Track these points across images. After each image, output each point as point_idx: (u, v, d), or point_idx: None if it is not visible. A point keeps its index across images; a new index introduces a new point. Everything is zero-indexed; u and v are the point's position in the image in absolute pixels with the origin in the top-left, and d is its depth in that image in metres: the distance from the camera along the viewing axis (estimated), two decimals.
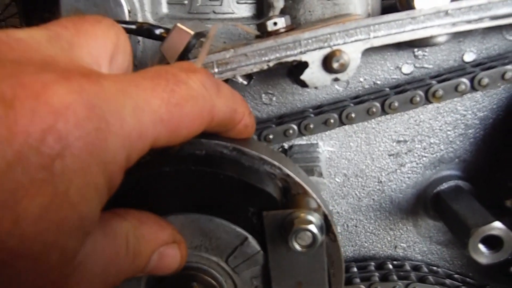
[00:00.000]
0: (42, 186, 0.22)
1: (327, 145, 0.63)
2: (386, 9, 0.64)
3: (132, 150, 0.28)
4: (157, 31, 0.53)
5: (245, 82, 0.61)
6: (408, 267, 0.66)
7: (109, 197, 0.28)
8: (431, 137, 0.62)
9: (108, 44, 0.34)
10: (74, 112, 0.24)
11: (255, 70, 0.51)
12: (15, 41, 0.28)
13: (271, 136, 0.57)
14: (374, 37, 0.48)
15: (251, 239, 0.46)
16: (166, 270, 0.39)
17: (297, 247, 0.43)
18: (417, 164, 0.64)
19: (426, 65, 0.59)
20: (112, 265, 0.30)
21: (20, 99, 0.22)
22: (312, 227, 0.42)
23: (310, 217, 0.44)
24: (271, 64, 0.50)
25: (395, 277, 0.63)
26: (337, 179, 0.66)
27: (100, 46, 0.33)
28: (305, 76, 0.50)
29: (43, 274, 0.24)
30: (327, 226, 0.46)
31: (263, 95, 0.63)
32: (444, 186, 0.63)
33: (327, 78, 0.50)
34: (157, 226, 0.38)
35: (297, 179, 0.48)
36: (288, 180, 0.48)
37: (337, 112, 0.56)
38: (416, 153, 0.63)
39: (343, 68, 0.49)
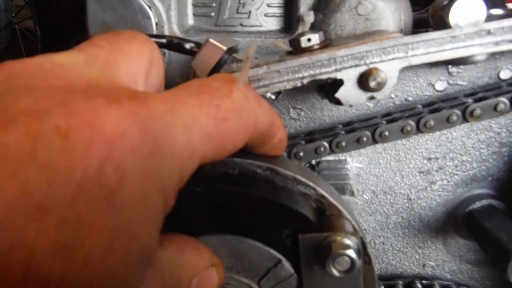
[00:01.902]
0: (105, 220, 0.21)
1: (356, 161, 0.62)
2: (417, 23, 0.62)
3: (184, 170, 0.27)
4: (188, 46, 0.52)
5: (273, 97, 0.60)
6: (438, 287, 0.64)
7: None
8: (463, 155, 0.61)
9: (144, 61, 0.33)
10: (129, 138, 0.23)
11: (288, 87, 0.50)
12: (58, 67, 0.27)
13: (301, 154, 0.56)
14: (412, 56, 0.47)
15: (284, 261, 0.45)
16: None
17: (335, 272, 0.42)
18: (448, 182, 0.62)
19: (460, 82, 0.58)
20: None
21: (74, 129, 0.21)
22: (350, 252, 0.41)
23: (348, 241, 0.42)
24: (305, 81, 0.49)
25: None
26: (365, 196, 0.64)
27: (136, 63, 0.32)
28: (340, 94, 0.49)
29: None
30: (362, 248, 0.45)
31: (291, 110, 0.62)
32: (477, 205, 0.61)
33: (362, 96, 0.49)
34: (196, 250, 0.37)
35: (332, 200, 0.46)
36: (323, 201, 0.46)
37: (370, 130, 0.55)
38: (448, 170, 0.62)
39: (379, 86, 0.47)
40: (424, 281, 0.66)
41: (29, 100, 0.22)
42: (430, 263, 0.67)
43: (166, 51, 0.64)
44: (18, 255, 0.19)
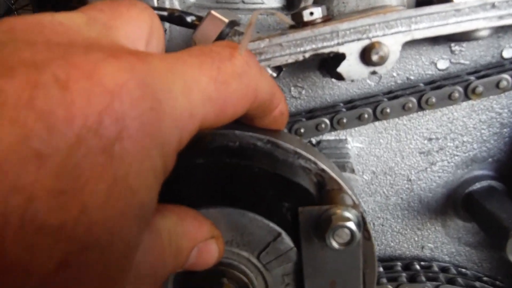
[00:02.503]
0: (103, 171, 0.21)
1: (356, 141, 0.62)
2: (420, 2, 0.62)
3: (184, 130, 0.27)
4: (189, 19, 0.51)
5: (274, 74, 0.60)
6: (436, 268, 0.64)
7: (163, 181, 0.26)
8: (464, 136, 0.61)
9: (144, 27, 0.33)
10: (128, 91, 0.23)
11: (290, 61, 0.49)
12: (58, 24, 0.27)
13: (302, 130, 0.56)
14: (416, 29, 0.47)
15: (284, 235, 0.45)
16: (205, 265, 0.38)
17: (335, 244, 0.41)
18: (448, 163, 0.62)
19: (462, 61, 0.58)
20: (159, 263, 0.29)
21: (73, 80, 0.21)
22: (350, 224, 0.41)
23: (348, 214, 0.42)
24: (307, 55, 0.49)
25: (423, 278, 0.61)
26: (365, 177, 0.64)
27: (136, 28, 0.32)
28: (342, 69, 0.48)
29: (107, 268, 0.22)
30: (362, 222, 0.45)
31: (292, 88, 0.61)
32: (477, 186, 0.61)
33: (364, 71, 0.48)
34: (196, 221, 0.37)
35: (332, 174, 0.46)
36: (323, 175, 0.46)
37: (371, 107, 0.55)
38: (448, 151, 0.62)
39: (382, 61, 0.47)
40: (422, 263, 0.66)
41: (29, 52, 0.22)
42: (429, 245, 0.66)
43: (167, 26, 0.63)
44: (16, 199, 0.19)
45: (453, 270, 0.64)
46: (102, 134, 0.21)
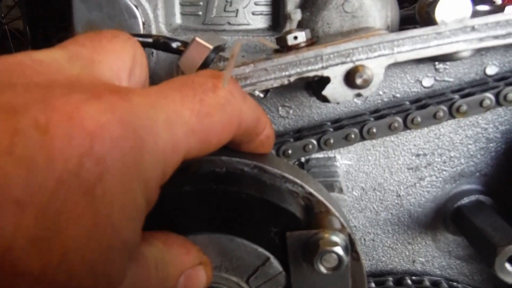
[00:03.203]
0: (84, 213, 0.21)
1: (345, 158, 0.62)
2: (403, 20, 0.63)
3: (167, 164, 0.27)
4: (174, 45, 0.52)
5: (261, 95, 0.60)
6: (427, 283, 0.64)
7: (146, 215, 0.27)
8: (451, 151, 0.61)
9: (126, 58, 0.33)
10: (109, 132, 0.23)
11: (275, 85, 0.49)
12: (38, 63, 0.27)
13: (290, 151, 0.56)
14: (398, 52, 0.47)
15: (273, 259, 0.45)
16: None
17: (323, 269, 0.42)
18: (436, 178, 0.63)
19: (447, 78, 0.58)
20: None
21: (54, 123, 0.21)
22: (337, 249, 0.41)
23: (335, 238, 0.43)
24: (292, 79, 0.49)
25: None
26: (354, 193, 0.64)
27: (119, 61, 0.33)
28: (327, 92, 0.49)
29: None
30: (350, 245, 0.45)
31: (280, 108, 0.62)
32: (465, 200, 0.61)
33: (349, 93, 0.49)
34: (183, 248, 0.37)
35: (320, 197, 0.46)
36: (311, 198, 0.47)
37: (357, 127, 0.55)
38: (436, 167, 0.62)
39: (366, 83, 0.47)
40: (414, 277, 0.66)
41: (9, 95, 0.22)
42: (420, 259, 0.67)
43: (154, 50, 0.63)
44: None
45: (445, 284, 0.65)
46: (83, 177, 0.21)
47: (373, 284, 0.65)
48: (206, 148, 0.32)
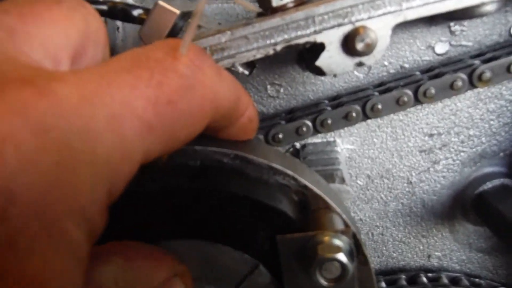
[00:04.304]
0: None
1: (347, 142, 0.54)
2: None
3: (115, 178, 0.20)
4: (135, 12, 0.43)
5: (246, 72, 0.51)
6: (445, 280, 0.57)
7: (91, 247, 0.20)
8: (470, 129, 0.53)
9: (72, 33, 0.25)
10: (17, 146, 0.16)
11: (258, 56, 0.41)
12: None
13: (280, 136, 0.48)
14: (408, 8, 0.38)
15: (262, 267, 0.37)
16: None
17: (323, 281, 0.34)
18: (453, 160, 0.54)
19: (464, 43, 0.49)
20: None
21: None
22: (340, 256, 0.33)
23: (337, 242, 0.34)
24: (278, 48, 0.40)
25: None
26: (359, 182, 0.56)
27: (59, 35, 0.24)
28: (322, 62, 0.40)
29: None
30: (356, 247, 0.37)
31: (269, 86, 0.53)
32: (488, 185, 0.53)
33: (348, 62, 0.40)
34: (152, 260, 0.30)
35: (316, 191, 0.38)
36: (306, 192, 0.38)
37: (359, 103, 0.46)
38: (453, 147, 0.54)
39: (369, 49, 0.39)
40: (429, 274, 0.58)
41: None
42: (436, 253, 0.59)
43: (119, 24, 0.54)
44: None
45: (465, 281, 0.57)
46: None
47: (383, 284, 0.58)
48: (171, 145, 0.24)
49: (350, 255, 0.34)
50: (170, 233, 0.37)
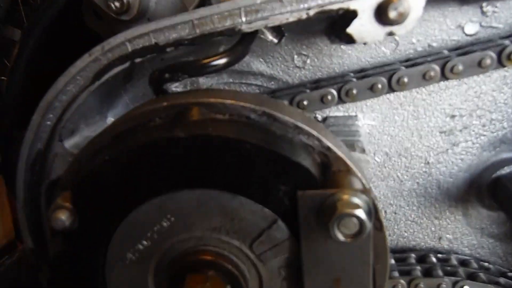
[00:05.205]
0: None
1: (368, 118, 0.54)
2: None
3: None
4: None
5: (275, 40, 0.52)
6: (455, 262, 0.57)
7: None
8: (493, 112, 0.53)
9: None
10: None
11: (291, 19, 0.42)
12: None
13: (305, 102, 0.49)
14: None
15: (280, 222, 0.39)
16: None
17: (340, 236, 0.35)
18: (473, 143, 0.55)
19: (495, 24, 0.49)
20: None
21: None
22: (359, 212, 0.34)
23: (357, 200, 0.35)
24: (311, 12, 0.41)
25: (440, 272, 0.55)
26: (376, 158, 0.57)
27: None
28: (353, 29, 0.41)
29: None
30: (374, 210, 0.38)
31: (296, 56, 0.54)
32: (506, 170, 0.54)
33: (380, 31, 0.41)
34: None
35: (339, 153, 0.39)
36: (329, 154, 0.39)
37: (385, 76, 0.47)
38: (473, 130, 0.54)
39: (401, 18, 0.39)
40: (439, 255, 0.59)
41: None
42: (447, 235, 0.59)
43: None
44: None
45: (474, 264, 0.57)
46: None
47: (392, 261, 0.58)
48: None
49: (368, 213, 0.35)
50: (191, 181, 0.39)
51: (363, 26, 0.41)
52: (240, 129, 0.38)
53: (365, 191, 0.36)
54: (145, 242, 0.40)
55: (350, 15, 0.41)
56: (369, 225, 0.34)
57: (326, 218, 0.35)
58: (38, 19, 0.51)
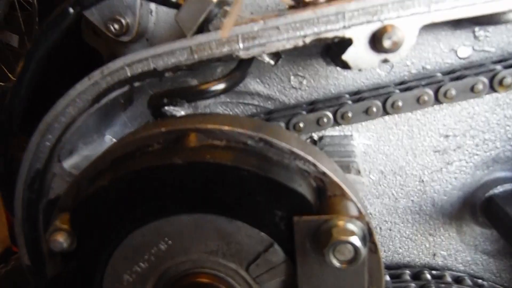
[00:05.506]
0: None
1: (363, 137, 0.55)
2: None
3: None
4: None
5: (272, 62, 0.53)
6: (449, 278, 0.58)
7: None
8: (485, 133, 0.54)
9: None
10: None
11: (288, 46, 0.42)
12: None
13: (301, 125, 0.49)
14: (436, 10, 0.40)
15: (276, 246, 0.39)
16: None
17: (335, 262, 0.35)
18: (466, 163, 0.55)
19: (487, 48, 0.50)
20: None
21: None
22: (354, 239, 0.35)
23: (351, 226, 0.36)
24: (307, 40, 0.42)
25: None
26: (372, 177, 0.58)
27: None
28: (348, 56, 0.42)
29: None
30: (369, 235, 0.39)
31: (292, 77, 0.55)
32: (499, 189, 0.54)
33: (374, 58, 0.42)
34: None
35: (334, 177, 0.40)
36: (324, 179, 0.40)
37: (380, 99, 0.48)
38: (467, 150, 0.55)
39: (395, 47, 0.40)
40: (434, 272, 0.60)
41: None
42: (442, 252, 0.60)
43: (153, 8, 0.56)
44: None
45: (468, 281, 0.58)
46: None
47: (388, 277, 0.59)
48: None
49: (363, 239, 0.36)
50: (190, 206, 0.39)
51: (358, 54, 0.42)
52: (237, 156, 0.39)
53: (360, 216, 0.37)
54: (142, 264, 0.41)
55: (345, 43, 0.42)
56: (364, 251, 0.35)
57: (321, 244, 0.36)
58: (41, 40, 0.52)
